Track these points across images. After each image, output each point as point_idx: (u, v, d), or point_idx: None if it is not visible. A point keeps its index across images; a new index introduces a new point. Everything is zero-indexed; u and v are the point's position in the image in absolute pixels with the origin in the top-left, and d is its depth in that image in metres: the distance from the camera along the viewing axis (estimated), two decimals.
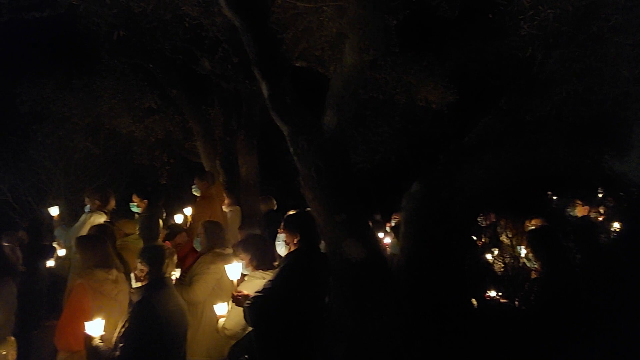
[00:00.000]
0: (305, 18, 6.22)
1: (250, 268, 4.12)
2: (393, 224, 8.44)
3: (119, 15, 6.72)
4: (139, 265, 3.83)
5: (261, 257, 4.12)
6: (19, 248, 6.04)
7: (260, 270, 4.07)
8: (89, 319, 3.70)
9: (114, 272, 4.21)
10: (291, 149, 3.89)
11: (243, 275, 4.16)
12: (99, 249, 4.30)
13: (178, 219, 7.39)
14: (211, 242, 4.75)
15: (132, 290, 4.18)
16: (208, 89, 10.04)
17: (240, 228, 6.59)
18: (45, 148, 11.64)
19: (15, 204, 12.65)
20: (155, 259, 3.85)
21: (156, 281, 3.79)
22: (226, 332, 3.95)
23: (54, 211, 6.65)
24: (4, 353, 3.84)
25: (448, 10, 5.27)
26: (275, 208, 8.22)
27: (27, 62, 10.36)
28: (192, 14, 6.44)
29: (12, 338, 4.06)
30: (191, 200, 7.60)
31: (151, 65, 8.62)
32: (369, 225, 4.06)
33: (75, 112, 10.12)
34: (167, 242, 6.46)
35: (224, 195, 7.85)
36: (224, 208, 7.60)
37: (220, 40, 7.74)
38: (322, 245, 4.05)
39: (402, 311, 3.71)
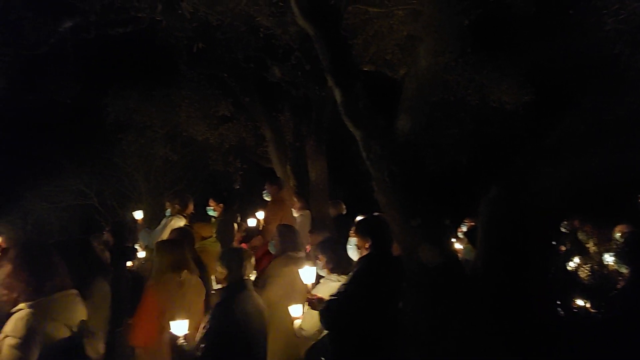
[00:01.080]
0: (375, 23, 6.24)
1: (326, 271, 4.18)
2: (465, 229, 8.23)
3: (196, 28, 7.04)
4: (219, 268, 3.97)
5: (337, 261, 4.17)
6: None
7: (336, 274, 4.11)
8: (156, 318, 3.91)
9: (183, 274, 4.35)
10: (364, 154, 3.91)
11: (319, 278, 4.23)
12: (174, 252, 4.49)
13: (251, 222, 7.61)
14: (284, 245, 4.86)
15: (213, 292, 4.37)
16: (278, 95, 10.30)
17: (310, 232, 6.69)
18: (128, 155, 12.42)
19: (101, 207, 13.57)
20: (234, 262, 3.98)
21: (236, 283, 3.92)
22: (303, 332, 4.04)
23: (138, 215, 7.05)
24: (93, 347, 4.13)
25: (524, 7, 5.09)
26: (344, 212, 8.26)
27: (112, 75, 11.07)
28: (266, 24, 6.64)
29: (102, 334, 4.36)
30: (263, 205, 7.81)
31: (226, 75, 8.96)
32: (445, 230, 4.01)
33: (156, 121, 10.72)
34: (243, 244, 6.69)
35: (294, 199, 7.99)
36: (294, 212, 7.74)
37: (291, 49, 7.94)
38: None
39: (481, 318, 3.62)
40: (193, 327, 4.07)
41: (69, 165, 12.62)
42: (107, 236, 8.05)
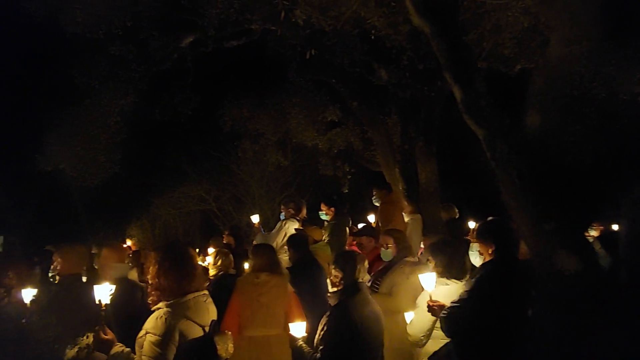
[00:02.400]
0: (492, 16, 5.92)
1: (435, 274, 4.02)
2: (596, 234, 7.51)
3: (309, 35, 7.17)
4: (333, 271, 3.98)
5: (447, 264, 3.98)
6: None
7: (445, 278, 3.93)
8: (235, 316, 4.21)
9: (262, 275, 4.49)
10: (488, 154, 3.69)
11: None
12: (262, 255, 4.68)
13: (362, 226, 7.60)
14: (402, 251, 4.77)
15: (328, 295, 4.39)
16: (385, 98, 10.20)
17: (424, 235, 6.51)
18: (242, 162, 13.05)
19: (219, 212, 14.38)
20: (348, 265, 3.96)
21: (350, 286, 3.89)
22: (409, 338, 3.92)
23: (255, 219, 7.34)
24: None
25: None
26: (456, 216, 7.93)
27: (227, 86, 11.70)
28: (378, 26, 6.58)
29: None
30: (372, 208, 7.76)
31: (334, 80, 9.05)
32: (583, 234, 3.66)
33: (268, 128, 11.16)
34: (355, 247, 6.67)
35: (404, 203, 7.83)
36: (405, 217, 7.58)
37: (400, 50, 7.80)
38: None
39: (625, 331, 3.24)
40: (276, 326, 4.35)
41: (191, 173, 13.54)
42: (227, 239, 8.55)
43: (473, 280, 3.69)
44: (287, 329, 4.05)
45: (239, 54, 10.67)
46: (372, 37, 7.25)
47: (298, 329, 3.84)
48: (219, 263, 6.12)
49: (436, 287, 3.91)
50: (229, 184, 14.05)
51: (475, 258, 4.59)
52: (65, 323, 3.80)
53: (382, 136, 9.30)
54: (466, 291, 3.62)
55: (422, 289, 3.95)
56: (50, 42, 6.78)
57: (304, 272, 5.20)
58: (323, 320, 3.92)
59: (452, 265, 4.02)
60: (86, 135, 7.07)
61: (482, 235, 3.79)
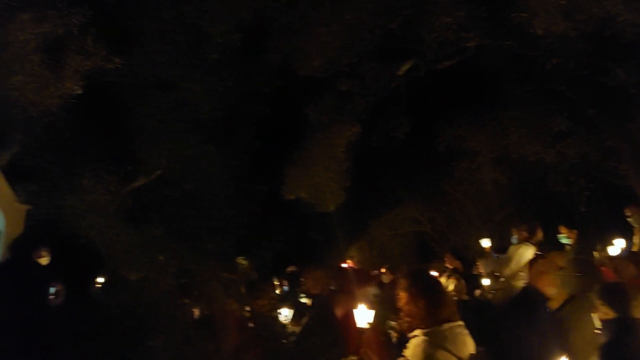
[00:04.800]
0: None
1: None
2: None
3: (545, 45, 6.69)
4: (602, 308, 3.53)
5: None
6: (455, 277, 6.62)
7: None
8: None
9: None
10: None
11: None
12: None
13: (614, 251, 6.63)
14: None
15: (596, 331, 3.88)
16: (625, 101, 8.89)
17: None
18: (457, 181, 12.72)
19: (434, 234, 14.21)
20: (617, 300, 3.47)
21: (624, 324, 3.40)
22: None
23: (486, 243, 7.00)
24: None
25: None
26: None
27: (440, 107, 11.61)
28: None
29: None
30: (623, 228, 6.73)
31: (563, 87, 8.25)
32: None
33: (484, 145, 10.68)
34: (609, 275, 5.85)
35: None
36: None
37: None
38: None
39: None
40: None
41: (405, 195, 13.71)
42: (451, 262, 8.35)
43: None
44: None
45: (450, 73, 10.52)
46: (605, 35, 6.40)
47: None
48: (450, 288, 5.96)
49: None
50: (442, 204, 13.81)
51: None
52: (326, 343, 4.09)
53: (627, 144, 8.08)
54: None
55: None
56: (285, 85, 7.60)
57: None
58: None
59: None
60: (320, 166, 7.70)
61: None
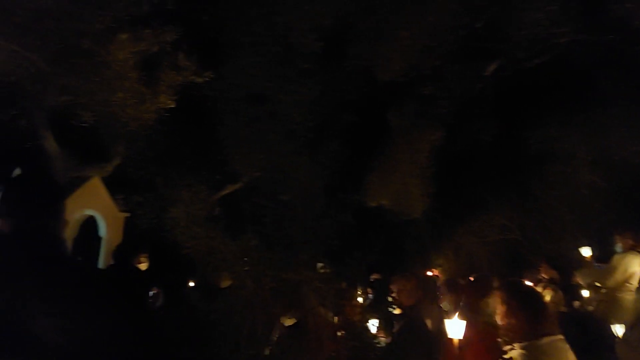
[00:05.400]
0: None
1: None
2: None
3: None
4: None
5: None
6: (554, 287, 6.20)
7: None
8: None
9: None
10: None
11: None
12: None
13: None
14: None
15: None
16: None
17: None
18: (548, 186, 11.94)
19: (525, 241, 13.43)
20: None
21: None
22: None
23: (586, 252, 6.52)
24: None
25: None
26: None
27: (530, 107, 11.02)
28: None
29: None
30: None
31: None
32: None
33: (580, 147, 9.97)
34: None
35: None
36: None
37: None
38: None
39: None
40: None
41: (493, 201, 13.10)
42: (547, 272, 7.85)
43: None
44: None
45: (540, 71, 9.97)
46: None
47: None
48: (547, 299, 5.60)
49: None
50: (534, 210, 13.01)
51: None
52: (419, 355, 3.99)
53: None
54: None
55: None
56: (368, 91, 7.56)
57: None
58: None
59: None
60: (402, 172, 7.58)
61: None
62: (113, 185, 10.08)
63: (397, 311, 4.93)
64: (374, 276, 7.98)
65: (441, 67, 7.70)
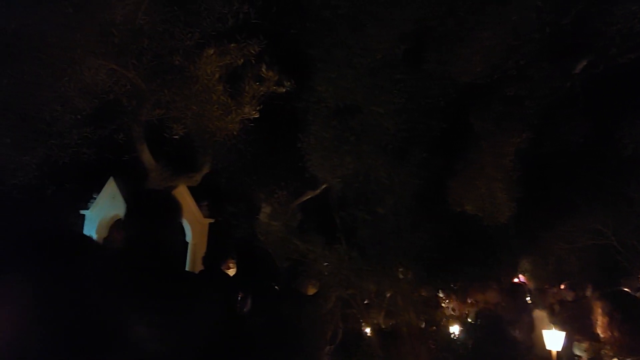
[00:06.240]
0: None
1: None
2: None
3: None
4: None
5: None
6: None
7: None
8: None
9: None
10: None
11: None
12: None
13: None
14: None
15: None
16: None
17: None
18: None
19: (621, 247, 12.54)
20: None
21: None
22: None
23: None
24: None
25: None
26: None
27: (624, 105, 10.33)
28: None
29: None
30: None
31: None
32: None
33: None
34: None
35: None
36: None
37: None
38: None
39: None
40: None
41: (584, 205, 12.37)
42: None
43: None
44: None
45: (633, 67, 9.30)
46: None
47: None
48: None
49: None
50: (631, 214, 12.12)
51: None
52: None
53: None
54: None
55: None
56: (449, 95, 7.40)
57: None
58: None
59: None
60: (486, 176, 7.34)
61: None
62: (200, 192, 10.58)
63: (476, 319, 4.82)
64: (457, 284, 7.80)
65: (526, 66, 7.39)
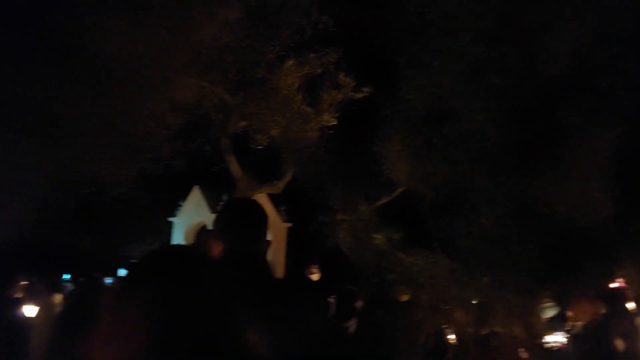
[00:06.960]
0: None
1: None
2: None
3: None
4: None
5: None
6: None
7: None
8: None
9: None
10: None
11: None
12: None
13: None
14: None
15: None
16: None
17: None
18: None
19: None
20: None
21: None
22: None
23: None
24: None
25: None
26: None
27: None
28: None
29: None
30: None
31: None
32: None
33: None
34: None
35: None
36: None
37: None
38: None
39: None
40: None
41: None
42: None
43: None
44: None
45: None
46: None
47: None
48: None
49: None
50: None
51: None
52: None
53: None
54: None
55: None
56: (536, 90, 7.08)
57: None
58: None
59: None
60: (579, 175, 6.95)
61: None
62: (278, 197, 10.83)
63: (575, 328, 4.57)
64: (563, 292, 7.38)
65: (618, 55, 6.92)
